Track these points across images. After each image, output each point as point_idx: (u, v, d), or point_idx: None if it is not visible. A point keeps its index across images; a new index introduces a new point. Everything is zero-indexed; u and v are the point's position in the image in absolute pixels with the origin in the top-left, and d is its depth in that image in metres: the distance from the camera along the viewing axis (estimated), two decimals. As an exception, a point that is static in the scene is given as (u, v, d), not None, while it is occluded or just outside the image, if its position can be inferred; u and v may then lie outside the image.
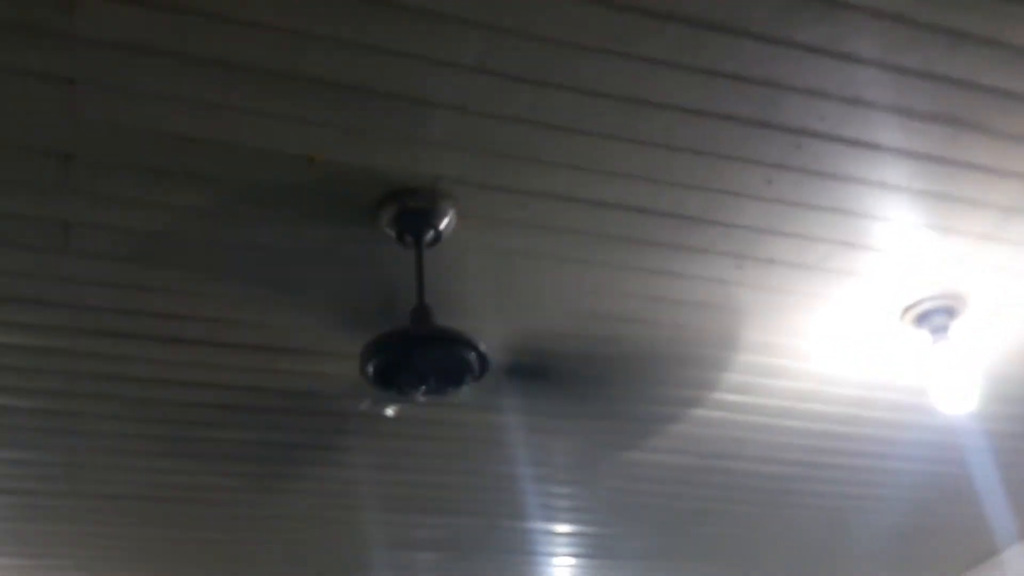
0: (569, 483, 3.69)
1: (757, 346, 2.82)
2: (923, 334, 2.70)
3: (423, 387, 2.09)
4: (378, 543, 4.00)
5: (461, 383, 2.12)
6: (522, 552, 4.32)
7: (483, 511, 3.86)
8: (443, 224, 2.22)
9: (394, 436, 3.14)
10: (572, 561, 4.45)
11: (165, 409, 2.85)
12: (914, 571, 4.66)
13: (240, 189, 2.16)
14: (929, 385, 2.72)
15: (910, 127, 2.12)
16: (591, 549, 4.31)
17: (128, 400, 2.81)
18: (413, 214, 2.18)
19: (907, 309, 2.67)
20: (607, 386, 2.93)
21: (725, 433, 3.28)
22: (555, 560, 4.44)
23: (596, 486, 3.70)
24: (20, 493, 3.22)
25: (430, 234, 2.21)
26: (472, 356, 2.07)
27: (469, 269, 2.37)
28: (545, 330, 2.68)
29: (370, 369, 2.05)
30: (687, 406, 3.11)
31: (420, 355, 2.07)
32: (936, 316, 2.65)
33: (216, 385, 2.78)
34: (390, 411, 2.35)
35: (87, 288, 2.40)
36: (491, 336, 2.33)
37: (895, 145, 2.16)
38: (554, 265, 2.45)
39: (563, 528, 4.10)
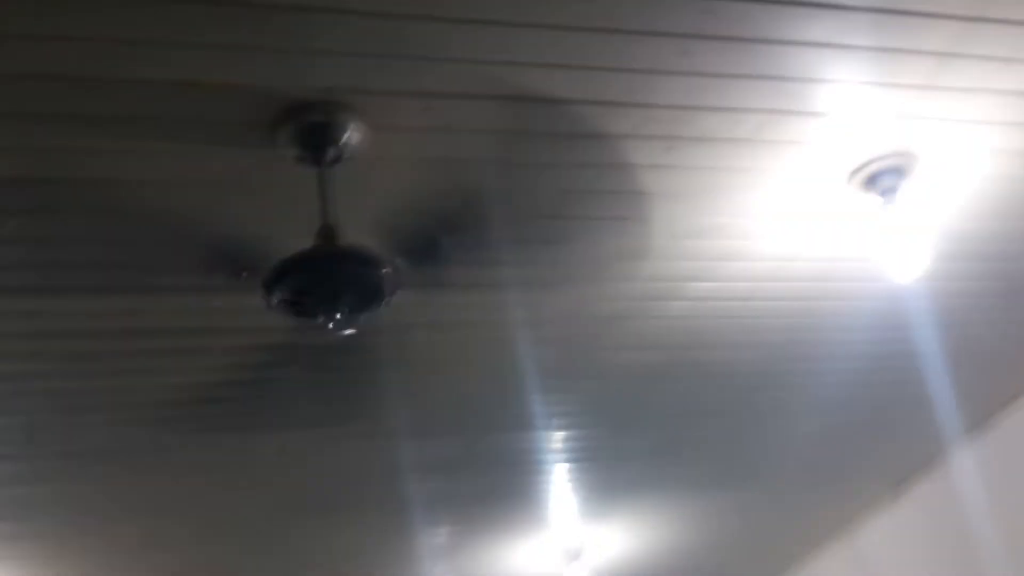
0: (544, 390, 3.62)
1: (704, 230, 2.70)
2: (873, 198, 2.58)
3: (336, 312, 1.99)
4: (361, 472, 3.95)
5: (375, 303, 2.02)
6: (513, 463, 4.26)
7: (470, 427, 3.79)
8: (343, 139, 2.09)
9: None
10: (565, 466, 4.40)
11: (101, 363, 2.77)
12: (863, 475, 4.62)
13: (130, 123, 2.04)
14: (883, 250, 2.61)
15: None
16: (580, 454, 4.26)
17: (69, 356, 2.73)
18: (309, 131, 2.06)
19: (853, 173, 2.54)
20: (557, 291, 2.83)
21: (690, 324, 3.18)
22: (549, 467, 4.39)
23: (571, 391, 3.62)
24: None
25: (331, 151, 2.09)
26: (381, 272, 1.96)
27: (377, 184, 2.25)
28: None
29: (274, 298, 1.94)
30: (643, 300, 3.00)
31: (325, 275, 1.96)
32: (884, 177, 2.53)
33: (148, 331, 2.69)
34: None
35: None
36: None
37: (815, -1, 2.02)
38: (469, 169, 2.32)
39: (549, 435, 4.04)
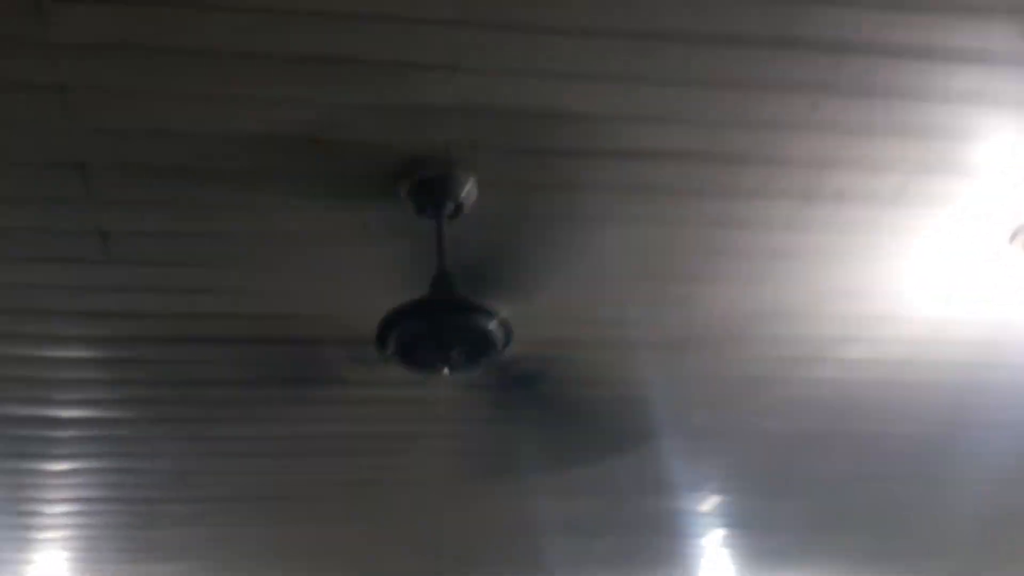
0: (691, 453, 3.50)
1: (848, 294, 2.55)
2: (1039, 259, 2.37)
3: (447, 361, 1.98)
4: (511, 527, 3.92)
5: (485, 356, 2.00)
6: (659, 526, 4.14)
7: (612, 489, 3.71)
8: (463, 194, 2.10)
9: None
10: (715, 532, 4.24)
11: (238, 409, 2.86)
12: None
13: (257, 179, 2.11)
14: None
15: (974, 24, 1.83)
16: (729, 519, 4.09)
17: (205, 401, 2.83)
18: (429, 185, 2.07)
19: (1015, 234, 2.34)
20: (695, 351, 2.74)
21: (841, 390, 3.00)
22: (696, 532, 4.24)
23: (719, 455, 3.49)
24: (132, 501, 3.32)
25: (450, 206, 2.10)
26: (494, 325, 1.94)
27: (494, 239, 2.24)
28: (590, 300, 2.51)
29: (390, 345, 1.95)
30: (788, 363, 2.86)
31: (436, 324, 1.95)
32: (1051, 237, 2.32)
33: (288, 380, 2.76)
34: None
35: (134, 295, 2.42)
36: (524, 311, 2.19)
37: (956, 45, 1.88)
38: (593, 227, 2.28)
39: (697, 499, 3.90)
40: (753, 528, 4.06)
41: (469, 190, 2.10)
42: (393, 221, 2.17)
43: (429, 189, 2.07)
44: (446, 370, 1.99)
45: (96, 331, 2.53)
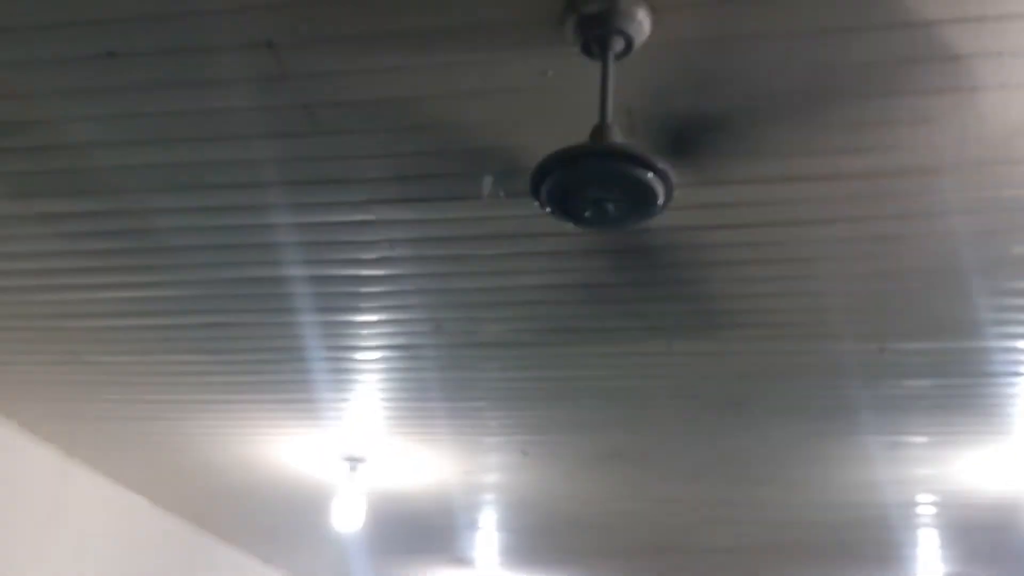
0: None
1: None
2: None
3: (601, 214, 1.86)
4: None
5: (647, 208, 1.85)
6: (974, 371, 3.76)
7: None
8: (633, 27, 1.92)
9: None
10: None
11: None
12: None
13: (419, 39, 2.07)
14: None
15: None
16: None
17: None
18: (593, 20, 1.92)
19: None
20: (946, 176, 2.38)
21: None
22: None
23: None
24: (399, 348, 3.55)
25: (617, 42, 1.93)
26: (651, 176, 1.78)
27: (671, 74, 2.03)
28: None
29: (542, 193, 1.86)
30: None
31: (592, 175, 1.82)
32: None
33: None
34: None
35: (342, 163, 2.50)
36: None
37: None
38: (771, 45, 2.00)
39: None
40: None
41: (639, 22, 1.92)
42: (566, 68, 2.05)
43: (592, 24, 1.92)
44: (601, 222, 1.87)
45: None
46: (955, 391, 3.85)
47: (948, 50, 2.03)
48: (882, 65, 2.08)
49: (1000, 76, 2.09)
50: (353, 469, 4.78)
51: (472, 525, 6.02)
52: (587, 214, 1.88)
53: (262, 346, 3.63)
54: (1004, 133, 2.27)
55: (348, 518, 4.87)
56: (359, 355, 3.70)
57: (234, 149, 2.48)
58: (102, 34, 2.10)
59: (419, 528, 5.96)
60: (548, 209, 1.90)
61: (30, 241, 2.94)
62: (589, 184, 1.84)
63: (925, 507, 5.29)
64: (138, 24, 2.06)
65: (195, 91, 2.27)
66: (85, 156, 2.53)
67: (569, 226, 2.13)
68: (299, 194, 2.65)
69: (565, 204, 1.89)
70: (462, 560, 6.81)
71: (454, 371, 3.72)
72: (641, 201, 1.85)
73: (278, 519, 5.94)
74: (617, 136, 1.88)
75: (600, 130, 1.88)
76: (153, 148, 2.49)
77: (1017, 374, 3.71)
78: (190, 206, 2.74)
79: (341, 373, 3.88)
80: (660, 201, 1.84)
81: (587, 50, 1.96)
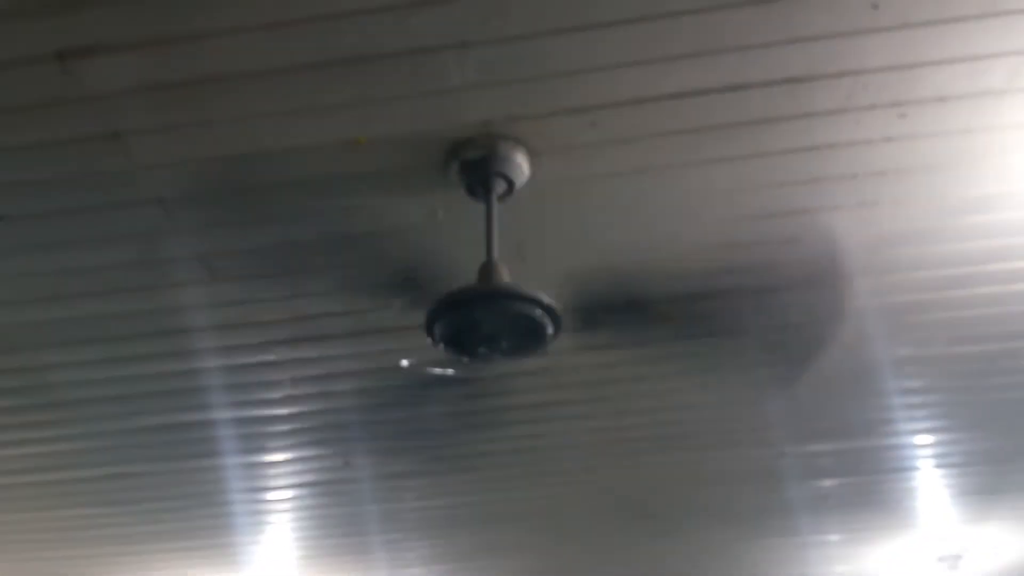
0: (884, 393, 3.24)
1: (981, 202, 2.25)
2: None
3: (494, 350, 1.93)
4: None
5: (537, 342, 1.93)
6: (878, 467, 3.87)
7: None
8: (513, 171, 2.03)
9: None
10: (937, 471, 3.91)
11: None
12: None
13: (303, 187, 2.14)
14: None
15: None
16: (948, 459, 3.76)
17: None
18: (474, 165, 2.02)
19: None
20: (818, 289, 2.52)
21: (1007, 310, 2.67)
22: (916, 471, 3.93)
23: (918, 393, 3.20)
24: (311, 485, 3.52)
25: (500, 184, 2.03)
26: (539, 312, 1.87)
27: (556, 212, 2.14)
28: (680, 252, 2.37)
29: (436, 333, 1.93)
30: (940, 289, 2.57)
31: (482, 315, 1.90)
32: None
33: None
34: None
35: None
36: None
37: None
38: (658, 177, 2.13)
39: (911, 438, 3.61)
40: (971, 465, 3.72)
41: (518, 165, 2.02)
42: (454, 208, 2.14)
43: (474, 168, 2.01)
44: (493, 359, 1.95)
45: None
46: (859, 488, 3.96)
47: (807, 174, 2.18)
48: (748, 190, 2.22)
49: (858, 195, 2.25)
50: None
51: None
52: (480, 350, 1.95)
53: (170, 493, 3.57)
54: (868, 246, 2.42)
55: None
56: (270, 495, 3.66)
57: (131, 301, 2.49)
58: (-9, 199, 2.13)
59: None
60: (442, 346, 1.96)
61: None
62: (480, 323, 1.91)
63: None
64: (26, 188, 2.10)
65: (89, 248, 2.29)
66: (-23, 317, 2.52)
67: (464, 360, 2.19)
68: (199, 340, 2.66)
69: (459, 342, 1.96)
70: None
71: (366, 504, 3.70)
72: (531, 335, 1.93)
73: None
74: (503, 273, 1.96)
75: (487, 268, 1.96)
76: (48, 305, 2.49)
77: (913, 468, 3.85)
78: (88, 359, 2.73)
79: (252, 515, 3.82)
80: (550, 333, 1.92)
81: (472, 192, 2.05)
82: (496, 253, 1.98)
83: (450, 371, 2.05)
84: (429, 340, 1.95)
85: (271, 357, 2.75)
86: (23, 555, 4.03)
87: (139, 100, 1.89)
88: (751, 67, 1.89)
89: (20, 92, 1.87)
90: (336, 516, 3.84)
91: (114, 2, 1.70)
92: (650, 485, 3.68)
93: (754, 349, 2.87)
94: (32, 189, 2.10)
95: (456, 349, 1.96)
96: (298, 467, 3.42)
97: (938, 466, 3.82)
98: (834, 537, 4.42)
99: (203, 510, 3.69)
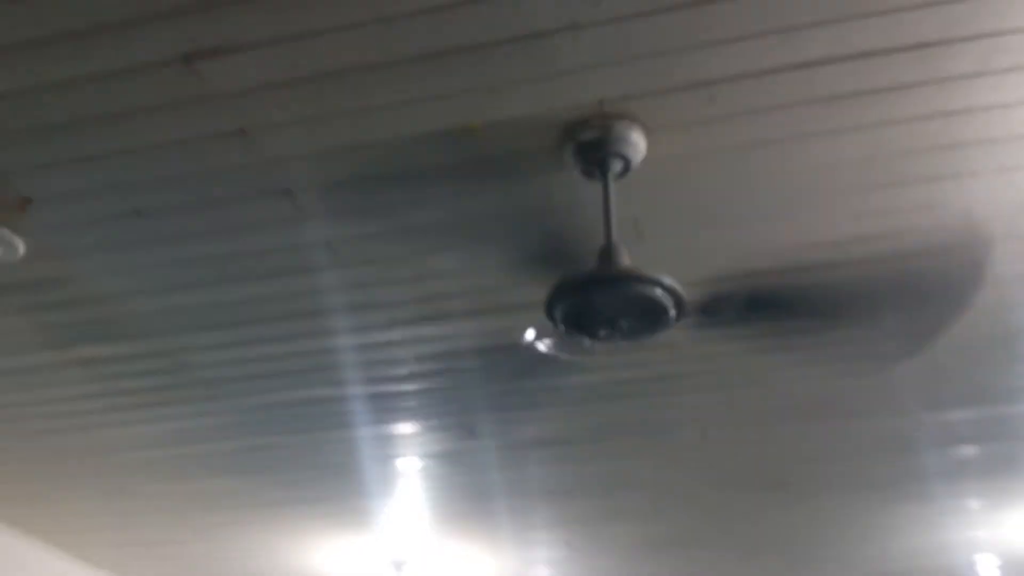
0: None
1: None
2: None
3: (615, 331, 1.91)
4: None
5: (660, 324, 1.89)
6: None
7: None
8: (629, 149, 1.99)
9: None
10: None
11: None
12: None
13: (420, 177, 2.16)
14: None
15: None
16: None
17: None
18: (590, 146, 2.00)
19: None
20: (955, 255, 2.41)
21: None
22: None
23: None
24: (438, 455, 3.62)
25: (616, 163, 2.00)
26: (661, 294, 1.84)
27: (673, 189, 2.10)
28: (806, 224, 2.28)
29: (557, 316, 1.92)
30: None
31: (603, 299, 1.89)
32: None
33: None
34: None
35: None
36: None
37: None
38: (782, 149, 2.06)
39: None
40: None
41: (635, 144, 1.99)
42: (570, 189, 2.12)
43: (589, 150, 1.99)
44: (616, 340, 1.93)
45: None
46: (1000, 454, 3.80)
47: (941, 140, 2.08)
48: (880, 159, 2.13)
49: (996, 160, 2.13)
50: (399, 571, 4.78)
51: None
52: (601, 332, 1.93)
53: (303, 463, 3.69)
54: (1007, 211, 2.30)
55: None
56: (399, 463, 3.75)
57: (261, 286, 2.57)
58: (130, 195, 2.22)
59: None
60: (563, 328, 1.95)
61: (63, 386, 3.06)
62: (601, 307, 1.90)
63: (986, 567, 5.18)
64: (160, 185, 2.18)
65: (222, 238, 2.37)
66: (118, 305, 2.63)
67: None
68: (326, 321, 2.73)
69: (580, 323, 1.95)
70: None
71: (491, 472, 3.74)
72: (653, 316, 1.90)
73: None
74: (623, 255, 1.94)
75: (606, 251, 1.94)
76: (186, 292, 2.59)
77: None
78: (225, 341, 2.83)
79: (383, 483, 3.92)
80: (672, 314, 1.89)
81: (588, 173, 2.03)
82: (615, 234, 1.95)
83: (569, 353, 2.02)
84: (550, 323, 1.95)
85: (396, 336, 2.80)
86: (165, 522, 4.23)
87: (262, 97, 1.94)
88: (879, 34, 1.81)
89: (150, 94, 1.93)
90: (462, 484, 3.90)
91: (236, 5, 1.74)
92: (781, 455, 3.60)
93: (889, 317, 2.77)
94: (166, 185, 2.18)
95: (577, 331, 1.95)
96: (425, 438, 3.49)
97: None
98: (974, 503, 4.27)
99: (335, 479, 3.79)
